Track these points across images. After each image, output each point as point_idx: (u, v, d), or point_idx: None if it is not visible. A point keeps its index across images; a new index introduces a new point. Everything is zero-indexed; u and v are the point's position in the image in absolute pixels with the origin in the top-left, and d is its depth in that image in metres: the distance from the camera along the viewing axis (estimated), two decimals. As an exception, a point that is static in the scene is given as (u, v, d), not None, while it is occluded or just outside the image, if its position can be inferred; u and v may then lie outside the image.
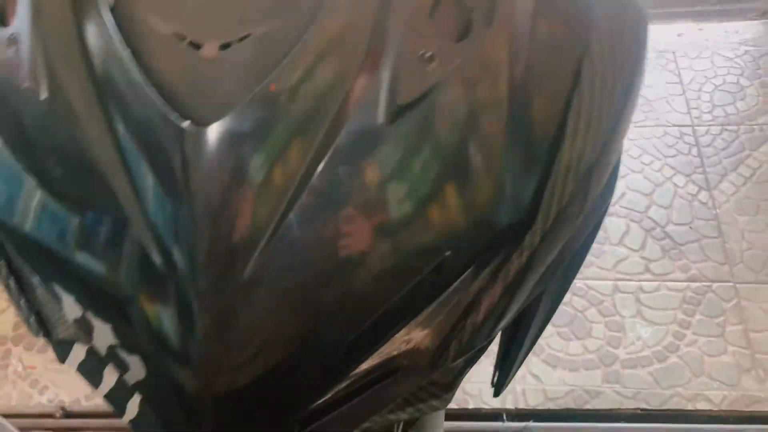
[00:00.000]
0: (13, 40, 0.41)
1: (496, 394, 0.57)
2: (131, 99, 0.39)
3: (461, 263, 0.42)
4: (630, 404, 1.29)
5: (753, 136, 1.65)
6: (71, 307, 0.44)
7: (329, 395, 0.47)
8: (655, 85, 1.76)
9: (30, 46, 0.41)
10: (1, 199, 0.45)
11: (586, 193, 0.45)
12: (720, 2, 2.04)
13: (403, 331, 0.45)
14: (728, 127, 1.67)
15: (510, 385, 1.33)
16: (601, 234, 1.52)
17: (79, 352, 0.49)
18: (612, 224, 1.54)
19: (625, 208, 1.55)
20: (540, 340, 1.22)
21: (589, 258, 1.36)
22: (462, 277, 0.43)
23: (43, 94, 0.40)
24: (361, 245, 0.40)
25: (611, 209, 1.57)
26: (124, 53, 0.39)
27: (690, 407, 1.27)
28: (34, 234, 0.43)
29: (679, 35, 1.92)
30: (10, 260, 0.47)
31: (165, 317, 0.41)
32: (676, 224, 1.52)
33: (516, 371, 0.56)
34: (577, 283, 1.45)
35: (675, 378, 1.31)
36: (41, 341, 1.37)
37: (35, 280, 0.47)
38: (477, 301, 0.44)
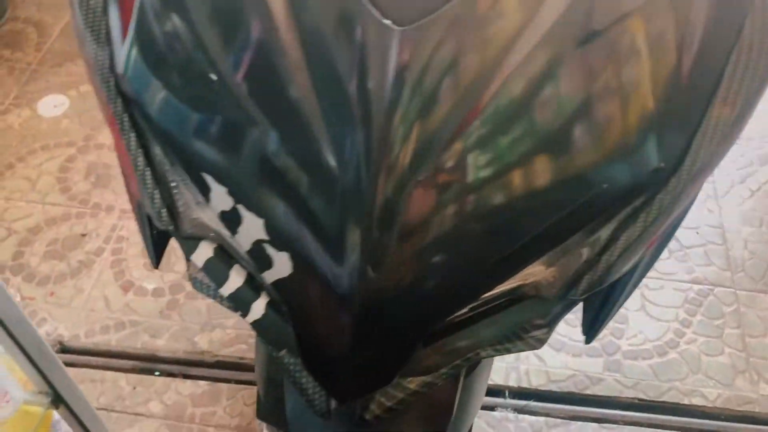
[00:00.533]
0: None
1: (589, 341, 0.59)
2: None
3: (612, 197, 0.44)
4: (629, 393, 1.32)
5: (763, 152, 1.70)
6: (221, 199, 0.44)
7: (456, 315, 0.48)
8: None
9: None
10: (164, 97, 0.44)
11: (723, 151, 0.47)
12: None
13: (542, 259, 0.46)
14: (739, 142, 1.72)
15: (514, 364, 1.35)
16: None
17: (206, 250, 0.48)
18: (622, 221, 1.57)
19: (636, 206, 1.58)
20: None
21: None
22: (608, 212, 0.45)
23: None
24: (530, 167, 0.41)
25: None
26: None
27: (686, 401, 1.31)
28: (200, 124, 0.43)
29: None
30: (148, 151, 0.47)
31: (329, 216, 0.41)
32: (683, 228, 1.56)
33: (609, 321, 0.58)
34: (585, 273, 1.47)
35: (673, 372, 1.35)
36: (42, 273, 1.33)
37: (177, 172, 0.46)
38: (616, 238, 0.46)
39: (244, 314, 0.48)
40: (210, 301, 1.41)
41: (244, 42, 0.41)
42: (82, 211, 1.58)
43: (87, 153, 1.70)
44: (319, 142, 0.40)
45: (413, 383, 0.51)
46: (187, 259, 0.51)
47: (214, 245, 0.48)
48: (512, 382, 1.33)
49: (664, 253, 1.50)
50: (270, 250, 0.44)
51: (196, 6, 0.41)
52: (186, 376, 1.34)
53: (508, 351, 0.54)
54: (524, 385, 1.33)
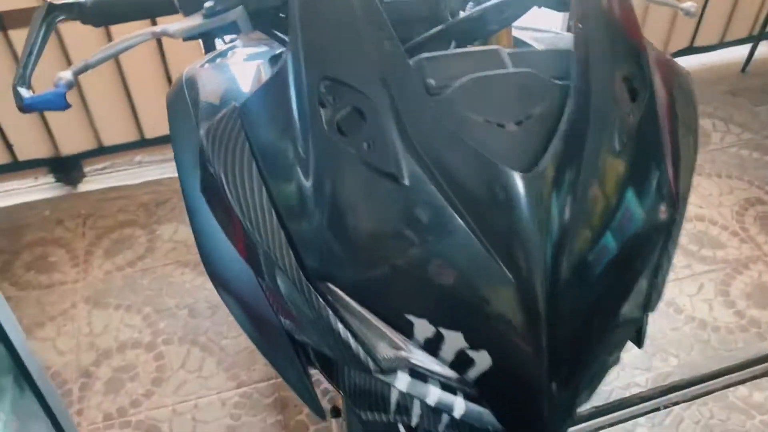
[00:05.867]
0: (367, 143, 0.58)
1: (641, 346, 0.80)
2: (470, 165, 0.58)
3: (656, 240, 0.67)
4: (584, 407, 1.56)
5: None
6: (423, 329, 0.59)
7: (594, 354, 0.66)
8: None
9: (386, 146, 0.58)
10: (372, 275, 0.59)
11: (686, 199, 0.72)
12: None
13: (630, 299, 0.67)
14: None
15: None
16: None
17: (403, 377, 0.62)
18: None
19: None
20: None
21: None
22: (657, 250, 0.67)
23: (405, 180, 0.57)
24: (623, 240, 0.62)
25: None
26: (463, 138, 0.58)
27: (627, 394, 1.59)
28: (402, 280, 0.58)
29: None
30: (337, 311, 0.60)
31: (515, 314, 0.58)
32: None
33: None
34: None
35: (609, 378, 1.62)
36: None
37: (369, 325, 0.60)
38: (662, 264, 0.68)
39: (450, 413, 0.62)
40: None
41: (418, 220, 0.58)
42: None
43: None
44: (493, 273, 0.57)
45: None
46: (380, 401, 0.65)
47: (408, 369, 0.62)
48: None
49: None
50: (471, 353, 0.59)
51: (371, 204, 0.58)
52: None
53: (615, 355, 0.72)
54: None
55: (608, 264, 0.62)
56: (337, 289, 0.60)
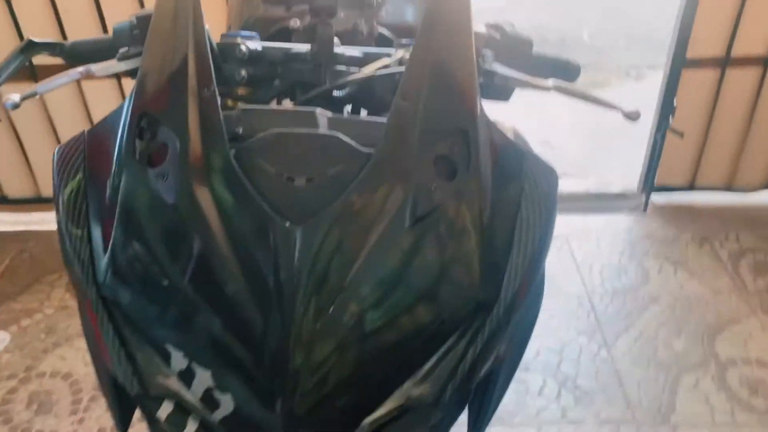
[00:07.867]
0: (162, 176, 0.62)
1: (476, 441, 0.74)
2: (248, 211, 0.60)
3: (454, 326, 0.64)
4: None
5: (637, 304, 1.98)
6: (179, 361, 0.61)
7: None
8: (552, 262, 2.09)
9: (176, 180, 0.62)
10: (134, 297, 0.62)
11: (528, 284, 0.69)
12: (599, 200, 2.51)
13: (416, 377, 0.64)
14: (620, 294, 2.01)
15: None
16: (521, 387, 1.73)
17: (167, 407, 0.64)
18: (530, 378, 1.76)
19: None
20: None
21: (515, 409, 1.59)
22: (455, 336, 0.64)
23: (183, 213, 0.61)
24: (397, 316, 0.61)
25: (529, 366, 1.80)
26: (247, 184, 0.61)
27: None
28: (162, 312, 0.61)
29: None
30: (121, 335, 0.64)
31: (257, 368, 0.59)
32: (584, 377, 1.76)
33: (488, 423, 0.74)
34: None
35: None
36: None
37: (143, 348, 0.63)
38: (465, 354, 0.65)
39: (201, 451, 0.63)
40: None
41: (189, 256, 0.61)
42: (25, 439, 1.63)
43: (29, 383, 1.78)
44: (249, 320, 0.59)
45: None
46: (150, 420, 0.67)
47: (173, 402, 0.64)
48: None
49: (572, 401, 1.69)
50: (217, 394, 0.60)
51: (153, 233, 0.62)
52: None
53: None
54: None
55: (370, 335, 0.60)
56: (120, 311, 0.64)
